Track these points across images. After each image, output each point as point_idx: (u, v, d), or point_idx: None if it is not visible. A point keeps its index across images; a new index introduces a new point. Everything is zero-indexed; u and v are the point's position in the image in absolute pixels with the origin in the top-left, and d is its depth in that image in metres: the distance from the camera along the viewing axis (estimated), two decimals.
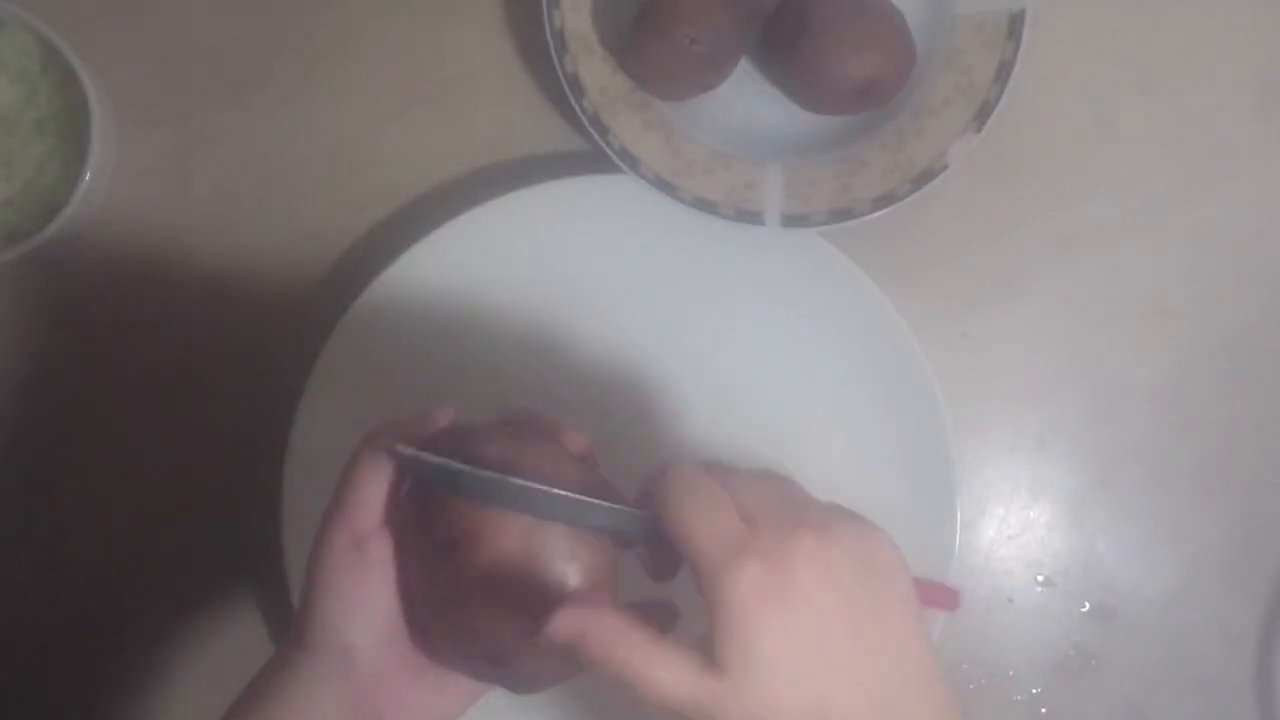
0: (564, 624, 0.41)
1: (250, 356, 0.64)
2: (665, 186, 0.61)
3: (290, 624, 0.60)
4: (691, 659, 0.40)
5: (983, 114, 0.61)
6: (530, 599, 0.44)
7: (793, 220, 0.61)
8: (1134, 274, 0.65)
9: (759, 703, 0.40)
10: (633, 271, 0.63)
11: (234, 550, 0.64)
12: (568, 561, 0.45)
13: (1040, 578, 0.66)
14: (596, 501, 0.45)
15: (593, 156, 0.63)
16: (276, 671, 0.46)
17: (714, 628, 0.40)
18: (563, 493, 0.44)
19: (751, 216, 0.61)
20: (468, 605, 0.45)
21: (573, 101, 0.61)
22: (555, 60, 0.61)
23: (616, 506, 0.45)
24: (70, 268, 0.64)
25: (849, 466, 0.63)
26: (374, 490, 0.47)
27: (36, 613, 0.64)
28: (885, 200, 0.61)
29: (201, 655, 0.64)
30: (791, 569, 0.41)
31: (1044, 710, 0.65)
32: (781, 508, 0.43)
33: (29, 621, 0.64)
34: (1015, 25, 0.61)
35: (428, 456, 0.45)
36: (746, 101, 0.63)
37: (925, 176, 0.61)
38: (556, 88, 0.61)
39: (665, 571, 0.46)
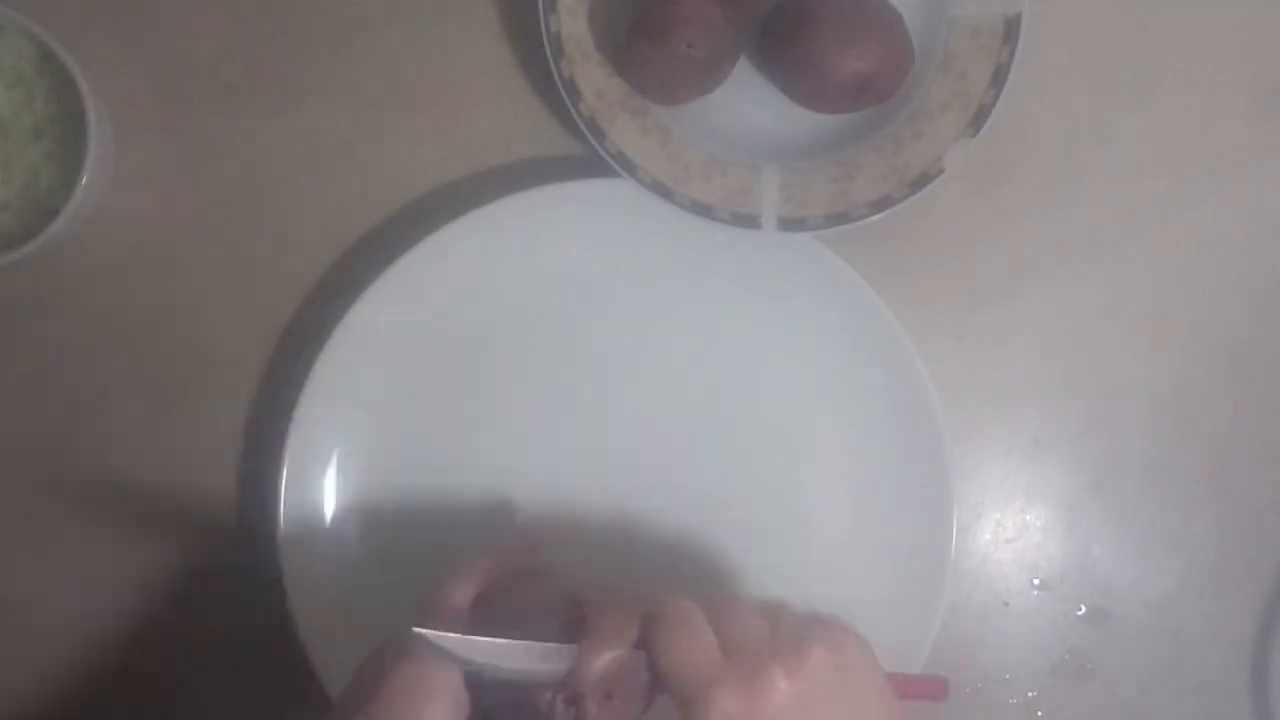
0: None
1: (246, 361, 0.64)
2: (662, 191, 0.61)
3: (285, 627, 0.60)
4: None
5: (979, 118, 0.61)
6: None
7: (789, 224, 0.61)
8: (1129, 278, 0.66)
9: None
10: (629, 275, 0.63)
11: (230, 553, 0.64)
12: None
13: (1036, 581, 0.66)
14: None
15: (589, 161, 0.63)
16: None
17: None
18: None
19: (748, 220, 0.61)
20: None
21: (569, 106, 0.61)
22: (552, 65, 0.61)
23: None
24: (66, 272, 0.64)
25: (845, 470, 0.63)
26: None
27: (32, 614, 0.64)
28: (881, 204, 0.61)
29: (196, 659, 0.64)
30: (762, 700, 0.44)
31: (1040, 714, 0.65)
32: (759, 639, 0.46)
33: (25, 624, 0.64)
34: (1011, 29, 0.61)
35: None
36: (743, 105, 0.63)
37: (921, 180, 0.61)
38: (553, 92, 0.61)
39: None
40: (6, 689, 0.64)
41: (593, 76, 0.61)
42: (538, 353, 0.63)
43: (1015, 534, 0.66)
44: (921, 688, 0.56)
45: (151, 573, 0.64)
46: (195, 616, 0.64)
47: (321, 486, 0.62)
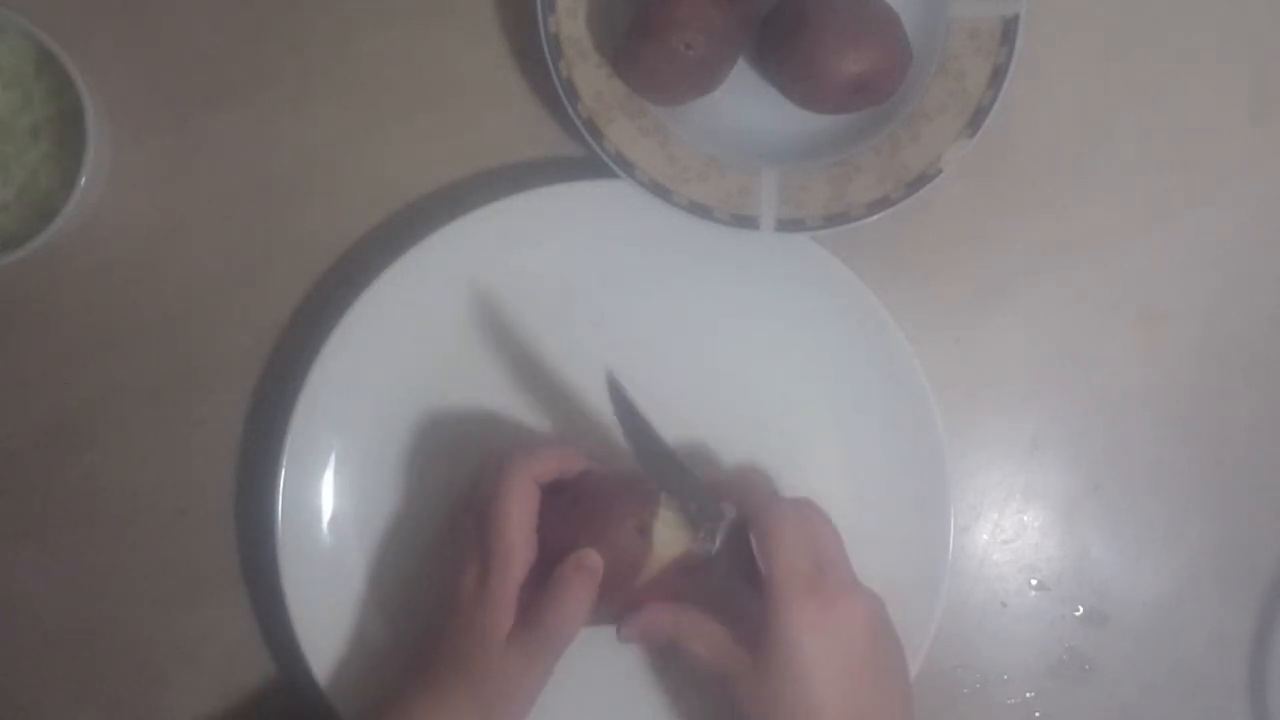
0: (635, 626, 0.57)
1: (246, 361, 0.64)
2: (660, 191, 0.61)
3: (282, 627, 0.60)
4: (728, 636, 0.55)
5: (977, 119, 0.61)
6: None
7: (787, 225, 0.61)
8: (1127, 279, 0.66)
9: (771, 687, 0.53)
10: (627, 276, 0.63)
11: (229, 554, 0.64)
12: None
13: (1034, 582, 0.66)
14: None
15: (587, 162, 0.63)
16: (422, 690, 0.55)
17: (766, 628, 0.53)
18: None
19: (746, 221, 0.61)
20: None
21: (568, 107, 0.61)
22: (550, 66, 0.61)
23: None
24: (66, 273, 0.64)
25: (843, 471, 0.63)
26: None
27: (30, 617, 0.64)
28: (879, 205, 0.61)
29: (194, 659, 0.64)
30: (844, 617, 0.54)
31: (1037, 714, 0.65)
32: (845, 565, 0.56)
33: (23, 625, 0.64)
34: (1009, 30, 0.61)
35: None
36: (742, 106, 0.63)
37: (919, 181, 0.61)
38: (551, 93, 0.61)
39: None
40: (6, 689, 0.64)
41: (591, 77, 0.61)
42: (534, 353, 0.63)
43: (1013, 535, 0.66)
44: None
45: (150, 573, 0.64)
46: (193, 617, 0.64)
47: (320, 487, 0.62)
